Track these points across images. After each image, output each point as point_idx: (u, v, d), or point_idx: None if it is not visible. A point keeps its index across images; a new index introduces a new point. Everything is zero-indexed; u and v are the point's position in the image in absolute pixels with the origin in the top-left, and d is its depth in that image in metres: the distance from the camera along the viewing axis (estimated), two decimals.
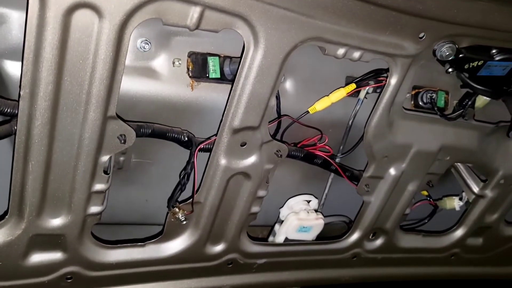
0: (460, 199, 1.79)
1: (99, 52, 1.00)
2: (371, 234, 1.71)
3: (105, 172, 1.21)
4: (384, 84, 1.33)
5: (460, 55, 1.30)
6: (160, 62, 1.23)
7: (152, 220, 1.51)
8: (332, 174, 1.59)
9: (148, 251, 1.42)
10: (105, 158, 1.18)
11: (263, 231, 1.74)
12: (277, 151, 1.35)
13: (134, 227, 1.55)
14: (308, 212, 1.58)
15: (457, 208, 1.79)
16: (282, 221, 1.60)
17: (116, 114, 1.13)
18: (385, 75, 1.35)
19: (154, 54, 1.22)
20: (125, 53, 1.04)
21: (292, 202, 1.61)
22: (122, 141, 1.16)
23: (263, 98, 1.20)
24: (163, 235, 1.41)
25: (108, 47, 1.00)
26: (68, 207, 1.22)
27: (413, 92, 1.50)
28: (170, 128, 1.28)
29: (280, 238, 1.60)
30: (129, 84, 1.21)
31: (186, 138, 1.28)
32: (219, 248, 1.51)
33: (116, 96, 1.09)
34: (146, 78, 1.23)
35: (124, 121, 1.16)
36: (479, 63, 1.34)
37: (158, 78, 1.24)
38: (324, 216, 1.62)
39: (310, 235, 1.61)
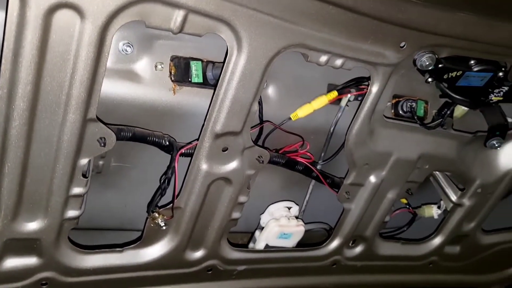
0: (439, 207, 1.81)
1: (80, 53, 0.99)
2: (351, 242, 1.71)
3: (84, 176, 1.19)
4: (366, 92, 1.35)
5: (440, 65, 1.32)
6: (142, 66, 1.22)
7: (131, 226, 1.49)
8: (313, 181, 1.60)
9: (126, 257, 1.40)
10: (84, 161, 1.16)
11: (243, 237, 1.73)
12: (258, 156, 1.34)
13: (113, 233, 1.53)
14: (288, 219, 1.58)
15: (435, 216, 1.81)
16: (263, 228, 1.59)
17: (97, 116, 1.11)
18: (366, 83, 1.37)
19: (136, 57, 1.21)
20: (106, 55, 1.02)
21: (272, 208, 1.60)
22: (102, 144, 1.14)
23: (246, 103, 1.20)
24: (141, 241, 1.40)
25: (90, 49, 0.99)
26: (44, 210, 1.19)
27: (394, 101, 1.51)
28: (151, 132, 1.26)
29: (260, 245, 1.59)
30: (110, 87, 1.19)
31: (167, 143, 1.27)
32: (198, 254, 1.49)
33: (97, 99, 1.07)
34: (127, 81, 1.22)
35: (105, 124, 1.14)
36: (458, 74, 1.37)
37: (140, 81, 1.23)
38: (305, 223, 1.62)
39: (291, 242, 1.61)
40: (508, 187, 1.76)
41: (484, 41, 1.30)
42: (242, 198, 1.41)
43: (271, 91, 1.40)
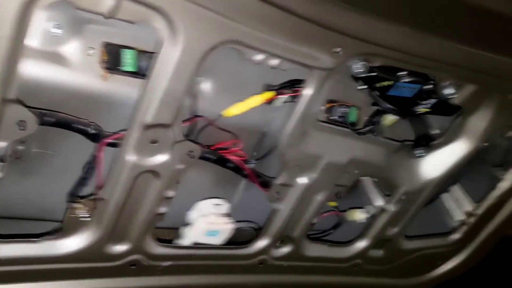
0: (366, 211, 1.86)
1: None
2: (279, 242, 1.72)
3: (1, 161, 1.13)
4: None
5: (372, 74, 1.36)
6: (72, 49, 1.16)
7: (51, 216, 1.42)
8: (244, 180, 1.60)
9: (43, 248, 1.33)
10: (1, 145, 1.09)
11: (170, 233, 1.70)
12: (189, 151, 1.32)
13: (31, 223, 1.45)
14: (217, 216, 1.57)
15: (362, 220, 1.86)
16: (191, 224, 1.57)
17: (18, 99, 1.05)
18: (302, 85, 1.38)
19: (66, 40, 1.15)
20: (28, 34, 0.97)
21: (201, 205, 1.58)
22: (21, 128, 1.08)
23: (177, 95, 1.17)
24: (60, 232, 1.34)
25: (10, 25, 0.93)
26: None
27: (328, 105, 1.54)
28: (77, 119, 1.21)
29: (187, 241, 1.57)
30: (36, 69, 1.13)
31: (93, 131, 1.22)
32: (122, 248, 1.45)
33: (16, 78, 1.01)
34: (55, 64, 1.16)
35: (26, 106, 1.08)
36: (389, 83, 1.41)
37: (68, 65, 1.17)
38: (235, 221, 1.62)
39: (218, 240, 1.60)
40: (430, 195, 1.84)
41: (415, 54, 1.35)
42: (170, 193, 1.38)
43: (207, 86, 1.38)
